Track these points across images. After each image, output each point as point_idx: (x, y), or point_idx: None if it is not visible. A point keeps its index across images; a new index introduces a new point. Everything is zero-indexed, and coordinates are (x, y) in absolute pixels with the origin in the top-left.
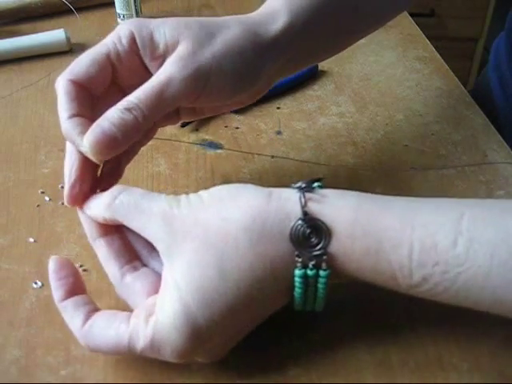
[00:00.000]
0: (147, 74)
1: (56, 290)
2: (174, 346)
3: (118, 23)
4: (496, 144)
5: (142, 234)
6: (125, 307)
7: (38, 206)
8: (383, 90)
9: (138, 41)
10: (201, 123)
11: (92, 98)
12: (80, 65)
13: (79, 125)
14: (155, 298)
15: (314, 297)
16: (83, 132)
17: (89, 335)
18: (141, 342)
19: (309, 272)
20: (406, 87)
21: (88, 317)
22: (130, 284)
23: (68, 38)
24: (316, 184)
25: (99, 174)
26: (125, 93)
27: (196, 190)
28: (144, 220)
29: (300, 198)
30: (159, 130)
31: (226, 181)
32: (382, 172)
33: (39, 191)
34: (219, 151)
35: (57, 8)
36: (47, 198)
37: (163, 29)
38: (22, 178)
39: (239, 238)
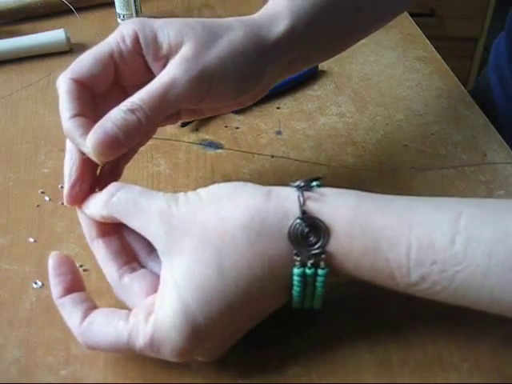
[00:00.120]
0: (150, 75)
1: (54, 286)
2: (173, 344)
3: (118, 23)
4: (496, 144)
5: (140, 232)
6: (125, 307)
7: (38, 206)
8: (383, 89)
9: (141, 41)
10: (201, 123)
11: (94, 97)
12: (82, 63)
13: (81, 125)
14: (154, 297)
15: (312, 295)
16: (85, 133)
17: (87, 333)
18: (140, 341)
19: (307, 271)
20: (406, 87)
21: (86, 314)
22: (129, 285)
23: (68, 38)
24: (315, 183)
25: (98, 174)
26: (127, 92)
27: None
28: (142, 218)
29: (298, 197)
30: (159, 129)
31: (226, 181)
32: (382, 172)
33: (39, 191)
34: (219, 151)
35: (57, 8)
36: (47, 198)
37: (167, 29)
38: (22, 177)
39: (237, 237)
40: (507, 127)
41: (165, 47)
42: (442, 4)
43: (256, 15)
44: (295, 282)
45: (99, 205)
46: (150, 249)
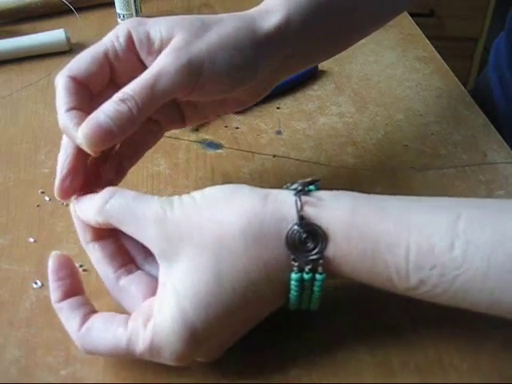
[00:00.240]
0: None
1: (53, 291)
2: (172, 349)
3: (118, 23)
4: (496, 144)
5: (136, 238)
6: (123, 307)
7: (38, 206)
8: (383, 89)
9: (134, 38)
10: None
11: (91, 95)
12: (79, 62)
13: (76, 117)
14: (152, 300)
15: (310, 298)
16: (79, 124)
17: (86, 338)
18: (140, 346)
19: (305, 276)
20: (406, 87)
21: (85, 319)
22: (125, 287)
23: (68, 38)
24: (312, 186)
25: (101, 176)
26: None
27: (196, 190)
28: (137, 224)
29: (296, 202)
30: None
31: (226, 180)
32: (382, 172)
33: (39, 191)
34: (219, 151)
35: (57, 8)
36: (47, 198)
37: (158, 26)
38: (22, 177)
39: (234, 242)
40: (507, 127)
41: (157, 42)
42: (442, 4)
43: (251, 10)
44: (292, 287)
45: (93, 211)
46: (146, 252)
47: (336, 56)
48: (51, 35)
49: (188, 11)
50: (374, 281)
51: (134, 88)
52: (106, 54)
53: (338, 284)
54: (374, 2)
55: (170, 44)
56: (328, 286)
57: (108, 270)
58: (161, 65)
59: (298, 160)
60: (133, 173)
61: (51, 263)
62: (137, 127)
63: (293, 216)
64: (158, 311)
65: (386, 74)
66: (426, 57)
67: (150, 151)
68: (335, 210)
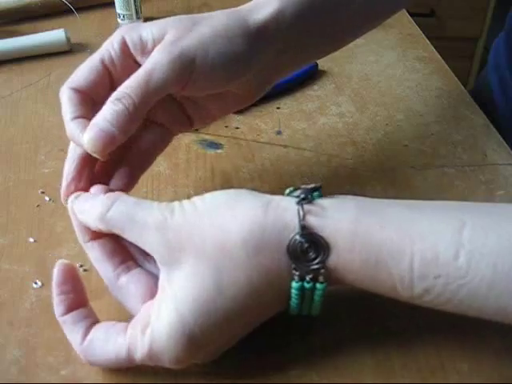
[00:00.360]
0: None
1: (57, 305)
2: (171, 354)
3: (118, 23)
4: (496, 144)
5: (138, 245)
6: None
7: (37, 206)
8: (383, 89)
9: (128, 42)
10: None
11: (94, 102)
12: (79, 74)
13: (81, 125)
14: (151, 304)
15: (310, 305)
16: (84, 131)
17: (89, 351)
18: (139, 353)
19: (306, 285)
20: (406, 87)
21: (87, 332)
22: (125, 286)
23: (68, 38)
24: (315, 194)
25: (109, 182)
26: None
27: (196, 190)
28: (138, 231)
29: (298, 211)
30: None
31: (226, 180)
32: (382, 172)
33: (39, 191)
34: (219, 151)
35: (57, 8)
36: (47, 198)
37: (150, 28)
38: (22, 178)
39: (236, 250)
40: (507, 127)
41: (150, 43)
42: (442, 4)
43: (244, 5)
44: (293, 295)
45: (94, 217)
46: (147, 253)
47: (336, 56)
48: (51, 35)
49: (188, 11)
50: (378, 289)
51: (128, 85)
52: (103, 62)
53: (340, 288)
54: None
55: (162, 41)
56: (330, 290)
57: (107, 268)
58: (153, 60)
59: (297, 160)
60: None
61: (56, 275)
62: (137, 125)
63: (295, 225)
64: (157, 317)
65: (386, 74)
66: (425, 57)
67: None
68: (338, 221)
